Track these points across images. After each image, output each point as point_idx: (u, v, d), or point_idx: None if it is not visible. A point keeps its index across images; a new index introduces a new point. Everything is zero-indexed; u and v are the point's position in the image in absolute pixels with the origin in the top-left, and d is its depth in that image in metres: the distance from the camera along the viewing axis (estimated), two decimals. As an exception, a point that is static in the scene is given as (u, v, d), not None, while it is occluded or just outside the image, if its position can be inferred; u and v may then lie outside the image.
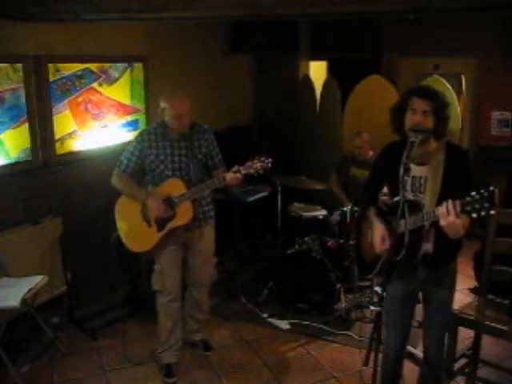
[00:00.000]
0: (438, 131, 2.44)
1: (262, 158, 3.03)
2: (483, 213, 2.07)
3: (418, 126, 2.39)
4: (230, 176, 3.03)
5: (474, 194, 2.10)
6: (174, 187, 3.16)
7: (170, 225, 3.17)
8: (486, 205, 2.06)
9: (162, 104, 3.18)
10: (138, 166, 3.29)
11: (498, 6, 2.68)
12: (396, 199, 2.47)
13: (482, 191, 2.07)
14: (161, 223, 3.19)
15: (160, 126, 3.26)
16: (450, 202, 2.17)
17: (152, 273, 3.39)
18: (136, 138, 3.32)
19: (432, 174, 2.45)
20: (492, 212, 2.06)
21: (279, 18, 4.54)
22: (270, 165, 3.04)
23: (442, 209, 2.20)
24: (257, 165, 3.02)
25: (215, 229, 3.48)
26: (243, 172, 3.03)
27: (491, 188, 2.06)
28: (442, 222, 2.21)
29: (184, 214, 3.15)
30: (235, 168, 3.04)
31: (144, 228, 3.24)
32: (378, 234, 2.54)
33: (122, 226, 3.35)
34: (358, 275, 4.25)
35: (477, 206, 2.08)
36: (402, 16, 4.78)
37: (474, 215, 2.10)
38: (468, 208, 2.11)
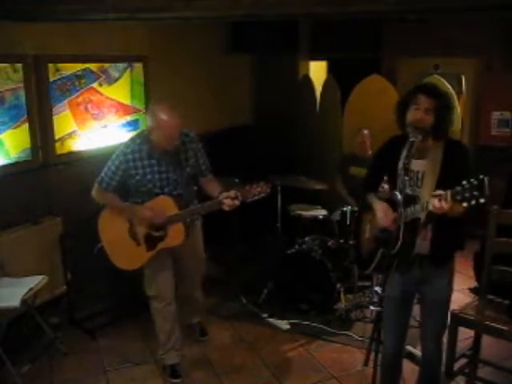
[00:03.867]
0: (436, 131, 2.43)
1: (261, 184, 2.96)
2: (473, 201, 2.10)
3: (418, 123, 2.39)
4: (228, 203, 2.93)
5: (464, 183, 2.12)
6: (164, 206, 3.03)
7: (161, 245, 3.09)
8: (476, 193, 2.08)
9: (151, 122, 2.97)
10: (121, 186, 3.11)
11: (497, 6, 2.68)
12: (393, 194, 2.47)
13: (472, 180, 2.10)
14: (151, 243, 3.09)
15: (144, 142, 3.05)
16: (441, 193, 2.20)
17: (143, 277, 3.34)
18: (118, 156, 3.07)
19: (429, 169, 2.46)
20: (482, 200, 2.08)
21: (279, 18, 4.54)
22: (268, 190, 2.99)
23: (434, 201, 2.23)
24: (255, 190, 2.95)
25: (207, 228, 3.48)
26: (241, 199, 2.93)
27: (481, 176, 2.08)
28: (436, 211, 2.25)
29: (176, 235, 3.05)
30: (233, 193, 2.93)
31: (132, 246, 3.12)
32: (380, 211, 2.54)
33: (106, 242, 3.21)
34: (358, 274, 4.27)
35: (466, 194, 2.11)
36: (402, 16, 4.79)
37: (465, 204, 2.13)
38: (458, 197, 2.14)
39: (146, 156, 3.05)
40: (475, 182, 2.08)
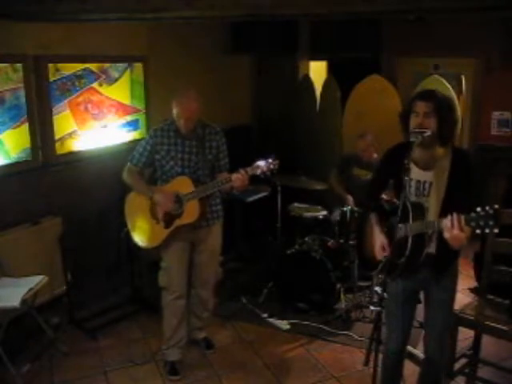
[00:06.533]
0: (442, 134, 2.43)
1: (269, 159, 3.04)
2: (487, 230, 2.13)
3: (419, 127, 2.40)
4: (237, 176, 3.05)
5: (479, 210, 2.14)
6: (183, 185, 3.18)
7: (177, 222, 3.20)
8: (491, 223, 2.11)
9: (172, 107, 3.20)
10: (150, 161, 3.32)
11: (496, 7, 2.67)
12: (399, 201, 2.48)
13: (488, 208, 2.12)
14: (168, 220, 3.21)
15: (173, 123, 3.27)
16: (454, 215, 2.21)
17: (158, 271, 3.42)
18: (149, 133, 3.38)
19: (437, 179, 2.46)
20: (496, 230, 2.12)
21: (279, 18, 4.54)
22: (277, 166, 3.05)
23: (446, 222, 2.23)
24: (264, 166, 3.03)
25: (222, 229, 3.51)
26: (250, 172, 3.04)
27: (496, 206, 2.10)
28: (446, 235, 2.25)
29: (191, 213, 3.16)
30: (242, 170, 3.05)
31: (152, 224, 3.28)
32: (378, 243, 2.59)
33: (130, 221, 3.39)
34: (358, 274, 4.27)
35: (481, 222, 2.13)
36: (401, 16, 4.79)
37: (478, 231, 2.16)
38: (472, 224, 2.16)
39: (173, 135, 3.27)
40: (491, 211, 2.11)
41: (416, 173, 2.50)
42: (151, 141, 3.29)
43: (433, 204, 2.45)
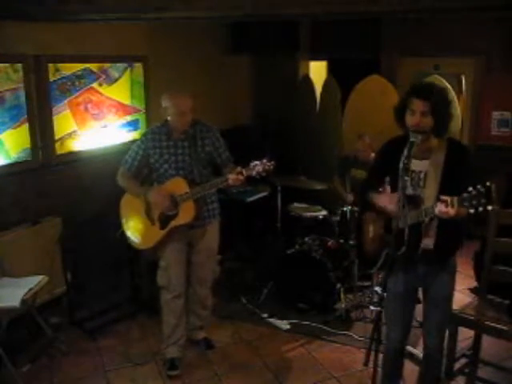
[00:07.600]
0: (438, 130, 2.45)
1: (265, 161, 3.04)
2: (481, 208, 2.13)
3: (418, 128, 2.40)
4: (233, 177, 3.05)
5: (471, 189, 2.14)
6: (177, 186, 3.19)
7: (173, 223, 3.20)
8: (483, 201, 2.12)
9: (164, 103, 3.20)
10: (143, 165, 3.33)
11: (495, 7, 2.68)
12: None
13: (479, 187, 2.12)
14: (163, 221, 3.21)
15: (164, 125, 3.29)
16: (448, 199, 2.22)
17: (157, 270, 3.42)
18: (141, 137, 3.38)
19: (432, 169, 2.47)
20: (489, 207, 2.12)
21: (279, 18, 4.54)
22: (272, 167, 3.06)
23: (440, 206, 2.24)
24: (259, 167, 3.03)
25: (219, 228, 3.51)
26: (245, 174, 3.04)
27: (488, 184, 2.11)
28: (437, 211, 2.28)
29: (186, 213, 3.17)
30: (238, 169, 3.06)
31: (147, 225, 3.29)
32: (383, 197, 2.58)
33: (126, 222, 3.40)
34: (358, 274, 4.26)
35: (474, 201, 2.14)
36: (402, 16, 4.79)
37: (472, 211, 2.16)
38: (466, 204, 2.17)
39: (164, 138, 3.27)
40: (482, 189, 2.11)
41: (412, 163, 2.48)
42: (143, 145, 3.30)
43: (429, 195, 2.46)
